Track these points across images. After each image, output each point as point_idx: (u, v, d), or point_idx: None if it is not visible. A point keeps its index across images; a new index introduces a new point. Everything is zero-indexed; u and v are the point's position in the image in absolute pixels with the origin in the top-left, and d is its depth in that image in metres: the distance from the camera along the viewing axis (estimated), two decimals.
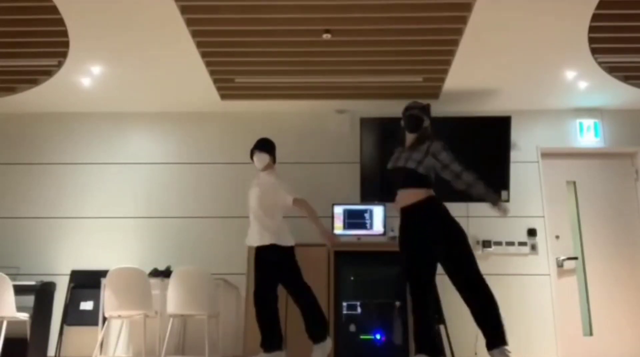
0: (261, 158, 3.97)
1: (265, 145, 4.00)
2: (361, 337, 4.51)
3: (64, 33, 4.09)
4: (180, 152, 5.54)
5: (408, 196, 3.29)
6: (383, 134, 5.12)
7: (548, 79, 4.86)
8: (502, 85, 5.01)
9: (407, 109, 3.42)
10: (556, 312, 5.02)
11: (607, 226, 5.30)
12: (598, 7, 3.72)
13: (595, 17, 3.85)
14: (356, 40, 4.24)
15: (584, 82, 4.90)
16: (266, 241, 3.83)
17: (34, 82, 4.90)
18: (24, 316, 4.53)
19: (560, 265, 5.21)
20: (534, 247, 5.19)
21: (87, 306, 4.89)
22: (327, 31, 4.09)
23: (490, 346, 3.07)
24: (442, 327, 4.44)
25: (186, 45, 4.27)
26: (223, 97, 5.26)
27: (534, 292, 5.07)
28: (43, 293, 4.91)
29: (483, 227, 5.22)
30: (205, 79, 4.86)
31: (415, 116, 3.37)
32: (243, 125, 5.56)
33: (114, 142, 5.58)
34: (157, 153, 5.54)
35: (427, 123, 3.39)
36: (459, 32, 4.08)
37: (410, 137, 3.40)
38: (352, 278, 4.66)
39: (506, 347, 3.05)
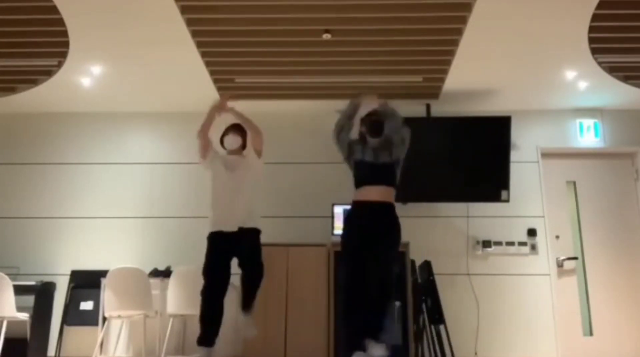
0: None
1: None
2: None
3: (64, 33, 4.09)
4: (180, 152, 5.52)
5: (385, 193, 3.32)
6: None
7: (548, 79, 4.86)
8: (502, 85, 5.01)
9: (369, 114, 3.46)
10: (556, 312, 5.02)
11: (607, 226, 5.30)
12: (598, 7, 3.72)
13: (595, 17, 3.85)
14: (356, 40, 4.24)
15: (584, 82, 4.90)
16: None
17: (34, 82, 4.90)
18: (24, 316, 4.53)
19: (560, 265, 5.21)
20: (534, 247, 5.18)
21: (87, 306, 4.89)
22: (327, 31, 4.09)
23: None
24: (442, 327, 4.44)
25: (186, 45, 4.27)
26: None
27: (534, 292, 5.07)
28: (43, 293, 4.91)
29: (483, 227, 5.22)
30: (205, 79, 4.86)
31: (380, 122, 3.40)
32: None
33: (114, 142, 5.57)
34: (157, 153, 5.54)
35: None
36: (459, 32, 4.08)
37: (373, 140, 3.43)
38: None
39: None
